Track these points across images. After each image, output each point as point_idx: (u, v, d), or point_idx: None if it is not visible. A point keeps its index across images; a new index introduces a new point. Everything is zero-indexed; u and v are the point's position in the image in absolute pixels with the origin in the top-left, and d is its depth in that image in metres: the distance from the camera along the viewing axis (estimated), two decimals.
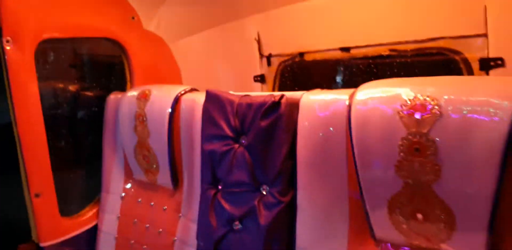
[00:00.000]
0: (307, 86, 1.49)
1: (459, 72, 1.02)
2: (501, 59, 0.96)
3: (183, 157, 1.20)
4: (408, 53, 1.13)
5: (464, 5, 1.01)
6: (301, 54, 1.44)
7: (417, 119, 0.71)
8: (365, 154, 0.78)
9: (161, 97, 1.23)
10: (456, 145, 0.68)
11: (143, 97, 1.26)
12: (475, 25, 0.99)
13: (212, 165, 1.04)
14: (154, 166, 1.27)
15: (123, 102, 1.33)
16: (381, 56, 1.19)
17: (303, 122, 0.90)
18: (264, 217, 0.93)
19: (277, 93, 0.95)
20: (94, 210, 1.47)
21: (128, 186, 1.41)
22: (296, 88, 1.56)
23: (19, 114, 1.20)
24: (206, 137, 1.06)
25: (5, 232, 1.46)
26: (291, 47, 1.44)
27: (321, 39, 1.34)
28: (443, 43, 1.06)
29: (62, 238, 1.38)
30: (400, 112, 0.74)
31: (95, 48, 1.55)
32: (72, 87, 1.54)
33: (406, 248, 0.81)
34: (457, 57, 1.03)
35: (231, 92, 1.06)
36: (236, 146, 1.00)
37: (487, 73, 0.97)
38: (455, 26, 1.03)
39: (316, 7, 1.34)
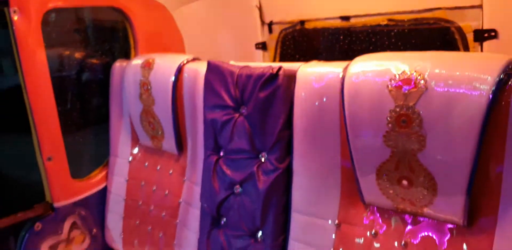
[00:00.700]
0: (308, 54, 1.52)
1: (454, 43, 1.04)
2: (494, 31, 0.98)
3: (187, 124, 1.25)
4: (405, 23, 1.15)
5: None
6: (302, 22, 1.45)
7: (404, 93, 0.76)
8: (356, 124, 0.84)
9: (164, 66, 1.27)
10: (439, 117, 0.73)
11: (147, 66, 1.30)
12: None
13: (214, 132, 1.10)
14: (160, 132, 1.33)
15: (128, 70, 1.37)
16: (379, 26, 1.21)
17: (300, 93, 0.94)
18: (263, 182, 1.00)
19: (275, 65, 0.98)
20: (104, 173, 1.56)
21: (135, 151, 1.48)
22: (297, 56, 1.59)
23: (28, 81, 1.25)
24: (208, 106, 1.11)
25: (20, 193, 1.55)
26: (292, 15, 1.45)
27: (322, 8, 1.35)
28: (439, 13, 1.07)
29: (74, 199, 1.48)
30: (389, 86, 0.78)
31: (100, 17, 1.57)
32: (78, 55, 1.57)
33: (391, 211, 0.88)
34: (452, 28, 1.05)
35: (231, 62, 1.09)
36: (236, 115, 1.05)
37: (481, 45, 1.00)
38: None
39: None
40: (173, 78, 1.23)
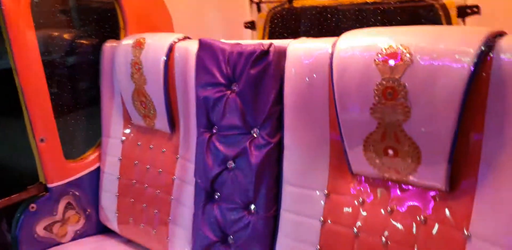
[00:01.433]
0: (296, 32, 1.54)
1: (438, 20, 1.07)
2: (477, 6, 1.02)
3: (179, 102, 1.28)
4: (392, 1, 1.17)
5: None
6: (290, 1, 1.47)
7: (391, 66, 0.79)
8: (344, 98, 0.87)
9: (155, 45, 1.28)
10: (424, 89, 0.77)
11: (138, 46, 1.31)
12: None
13: (206, 110, 1.13)
14: (152, 111, 1.35)
15: (118, 50, 1.37)
16: (366, 4, 1.23)
17: (290, 69, 0.97)
18: (255, 156, 1.03)
19: (266, 42, 1.00)
20: (96, 154, 1.58)
21: (128, 130, 1.50)
22: (285, 35, 1.60)
23: (19, 62, 1.25)
24: (200, 84, 1.13)
25: (13, 175, 1.57)
26: None
27: None
28: None
29: (68, 180, 1.50)
30: (376, 60, 0.81)
31: None
32: (67, 36, 1.56)
33: (378, 180, 0.92)
34: (436, 5, 1.08)
35: (222, 40, 1.11)
36: (228, 92, 1.07)
37: (463, 20, 1.03)
38: None
39: None
40: (164, 57, 1.25)
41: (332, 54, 0.89)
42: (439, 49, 0.75)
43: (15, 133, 1.47)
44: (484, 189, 0.77)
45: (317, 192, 0.99)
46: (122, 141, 1.50)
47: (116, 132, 1.52)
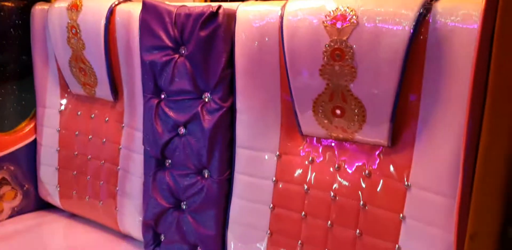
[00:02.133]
0: None
1: None
2: None
3: (122, 68, 1.22)
4: None
5: None
6: None
7: (338, 28, 0.82)
8: (294, 60, 0.89)
9: (94, 8, 1.20)
10: (369, 50, 0.81)
11: (74, 8, 1.23)
12: None
13: (153, 75, 1.10)
14: (92, 78, 1.29)
15: (51, 13, 1.28)
16: None
17: (240, 32, 0.97)
18: (207, 121, 1.03)
19: (214, 4, 0.99)
20: (32, 125, 1.49)
21: (65, 100, 1.42)
22: (228, 1, 1.58)
23: None
24: (145, 48, 1.09)
25: None
26: None
27: None
28: None
29: (1, 154, 1.41)
30: (325, 22, 0.84)
31: None
32: None
33: (326, 140, 0.97)
34: None
35: (166, 3, 1.07)
36: (176, 56, 1.05)
37: None
38: None
39: None
40: (104, 20, 1.18)
41: (282, 17, 0.90)
42: (382, 12, 0.79)
43: None
44: (421, 143, 0.84)
45: (269, 153, 1.02)
46: (60, 111, 1.42)
47: (52, 102, 1.43)
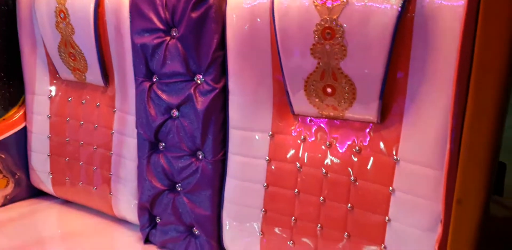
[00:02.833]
0: None
1: None
2: None
3: (112, 52, 1.22)
4: None
5: None
6: None
7: (329, 7, 0.84)
8: (286, 40, 0.91)
9: None
10: (358, 28, 0.83)
11: None
12: None
13: (144, 58, 1.10)
14: (82, 63, 1.29)
15: None
16: None
17: (231, 14, 0.98)
18: (201, 103, 1.05)
19: None
20: (21, 112, 1.48)
21: (55, 86, 1.42)
22: None
23: None
24: (136, 31, 1.09)
25: None
26: None
27: None
28: None
29: None
30: (315, 2, 0.85)
31: None
32: None
33: (317, 119, 1.00)
34: None
35: None
36: (168, 38, 1.06)
37: None
38: None
39: None
40: (93, 4, 1.18)
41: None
42: None
43: None
44: (409, 119, 0.88)
45: (262, 133, 1.04)
46: (50, 97, 1.42)
47: (41, 88, 1.43)
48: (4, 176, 1.47)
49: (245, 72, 1.01)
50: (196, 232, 1.16)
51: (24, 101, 1.47)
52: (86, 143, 1.37)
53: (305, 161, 1.00)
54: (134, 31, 1.10)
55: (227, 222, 1.12)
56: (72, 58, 1.30)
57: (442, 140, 0.81)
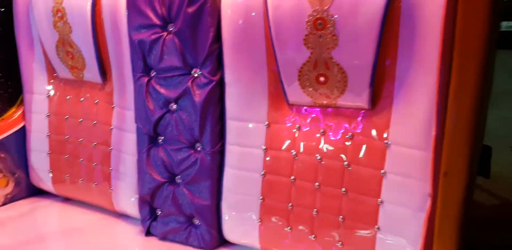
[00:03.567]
0: None
1: None
2: None
3: (110, 49, 1.26)
4: None
5: None
6: None
7: None
8: (279, 31, 0.95)
9: None
10: (348, 18, 0.87)
11: None
12: None
13: (142, 54, 1.14)
14: (80, 61, 1.32)
15: None
16: None
17: (226, 7, 1.02)
18: (198, 95, 1.08)
19: None
20: (20, 112, 1.50)
21: (53, 85, 1.44)
22: None
23: None
24: (133, 27, 1.13)
25: None
26: None
27: None
28: None
29: None
30: None
31: None
32: None
33: (311, 108, 1.04)
34: None
35: None
36: (165, 33, 1.09)
37: None
38: None
39: None
40: (90, 2, 1.21)
41: None
42: None
43: None
44: (399, 104, 0.92)
45: (259, 123, 1.08)
46: (48, 96, 1.44)
47: (40, 87, 1.45)
48: (4, 175, 1.49)
49: (241, 64, 1.05)
50: (197, 222, 1.19)
51: (22, 101, 1.49)
52: (86, 140, 1.39)
53: (301, 149, 1.04)
54: (131, 28, 1.13)
55: (226, 211, 1.16)
56: (70, 56, 1.33)
57: (429, 122, 0.85)
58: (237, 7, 1.01)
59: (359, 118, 0.98)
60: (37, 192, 1.56)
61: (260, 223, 1.11)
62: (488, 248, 1.73)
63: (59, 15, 1.26)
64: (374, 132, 0.96)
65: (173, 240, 1.23)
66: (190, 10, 1.02)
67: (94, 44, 1.26)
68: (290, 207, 1.06)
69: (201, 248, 1.19)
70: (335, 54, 0.92)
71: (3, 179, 1.49)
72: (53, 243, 1.34)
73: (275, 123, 1.07)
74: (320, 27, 0.90)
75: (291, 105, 1.06)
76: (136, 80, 1.18)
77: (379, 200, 0.94)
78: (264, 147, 1.08)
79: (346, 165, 0.98)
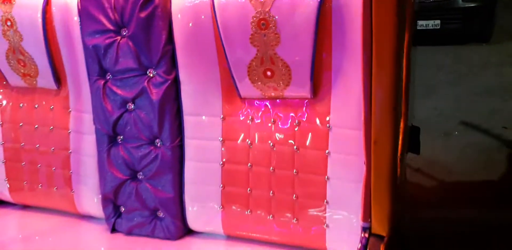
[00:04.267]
0: None
1: None
2: None
3: (63, 55, 1.29)
4: None
5: None
6: None
7: (261, 1, 1.00)
8: (227, 32, 1.06)
9: (28, 0, 1.26)
10: (288, 18, 1.00)
11: (7, 1, 1.27)
12: None
13: (97, 58, 1.19)
14: (33, 68, 1.34)
15: None
16: None
17: (176, 12, 1.11)
18: (155, 94, 1.16)
19: None
20: None
21: (4, 93, 1.44)
22: None
23: None
24: (87, 33, 1.18)
25: None
26: None
27: None
28: None
29: None
30: None
31: None
32: None
33: (261, 100, 1.15)
34: None
35: None
36: (119, 38, 1.16)
37: None
38: None
39: None
40: (40, 12, 1.24)
41: None
42: None
43: None
44: (336, 91, 1.06)
45: (214, 117, 1.17)
46: (0, 105, 1.44)
47: None
48: None
49: (194, 63, 1.14)
50: (161, 215, 1.25)
51: None
52: (43, 146, 1.41)
53: (255, 138, 1.15)
54: (85, 34, 1.19)
55: (189, 202, 1.23)
56: (22, 64, 1.35)
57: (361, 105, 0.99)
58: (187, 11, 1.10)
59: (304, 107, 1.10)
60: None
61: (222, 210, 1.20)
62: (428, 223, 1.94)
63: (8, 24, 1.29)
64: (317, 118, 1.08)
65: (139, 234, 1.29)
66: (142, 15, 1.10)
67: (47, 51, 1.29)
68: (249, 191, 1.16)
69: (167, 238, 1.26)
70: (278, 51, 1.04)
71: None
72: (15, 249, 1.35)
73: (230, 116, 1.17)
74: (264, 27, 1.02)
75: (243, 99, 1.16)
76: (92, 83, 1.23)
77: (326, 177, 1.07)
78: (221, 138, 1.17)
79: (295, 148, 1.10)
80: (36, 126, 1.41)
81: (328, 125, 1.06)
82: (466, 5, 4.34)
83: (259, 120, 1.15)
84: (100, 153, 1.28)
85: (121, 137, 1.25)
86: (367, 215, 0.96)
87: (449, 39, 4.42)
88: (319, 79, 1.07)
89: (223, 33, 1.06)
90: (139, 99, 1.19)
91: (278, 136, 1.13)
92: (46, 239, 1.34)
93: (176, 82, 1.17)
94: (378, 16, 0.78)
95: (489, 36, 4.51)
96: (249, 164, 1.15)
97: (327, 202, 1.08)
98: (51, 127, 1.39)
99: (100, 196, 1.33)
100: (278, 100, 1.13)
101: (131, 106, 1.21)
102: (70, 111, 1.35)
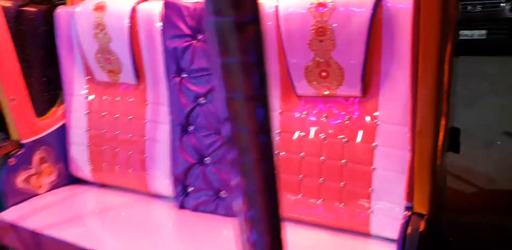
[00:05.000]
0: None
1: None
2: None
3: (144, 55, 1.51)
4: None
5: None
6: None
7: (321, 12, 1.15)
8: (289, 38, 1.22)
9: (118, 8, 1.48)
10: (343, 26, 1.15)
11: (100, 9, 1.50)
12: None
13: (176, 58, 1.39)
14: (117, 66, 1.56)
15: (79, 14, 1.54)
16: None
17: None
18: None
19: None
20: (60, 111, 1.74)
21: (90, 87, 1.68)
22: None
23: None
24: (168, 37, 1.39)
25: None
26: None
27: None
28: None
29: (39, 136, 1.66)
30: (310, 9, 1.17)
31: None
32: (7, 3, 1.65)
33: (316, 98, 1.30)
34: None
35: (184, 0, 1.37)
36: (195, 41, 1.35)
37: None
38: None
39: None
40: (127, 19, 1.46)
41: (277, 8, 1.22)
42: None
43: None
44: (384, 91, 1.19)
45: (273, 112, 1.34)
46: (86, 97, 1.69)
47: (79, 90, 1.69)
48: (50, 165, 1.72)
49: None
50: (224, 195, 1.44)
51: (61, 102, 1.73)
52: (122, 132, 1.63)
53: (309, 131, 1.31)
54: (166, 37, 1.39)
55: None
56: (108, 62, 1.57)
57: (407, 104, 1.13)
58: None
59: (355, 104, 1.25)
60: (76, 180, 1.79)
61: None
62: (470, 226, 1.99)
63: (100, 28, 1.51)
64: (366, 114, 1.23)
65: (203, 211, 1.48)
66: None
67: (130, 51, 1.51)
68: (300, 178, 1.33)
69: (228, 216, 1.44)
70: (334, 55, 1.19)
71: (49, 168, 1.73)
72: (92, 219, 1.58)
73: (287, 111, 1.34)
74: (321, 34, 1.18)
75: (299, 97, 1.33)
76: (170, 80, 1.44)
77: (372, 167, 1.21)
78: (278, 130, 1.34)
79: (345, 141, 1.25)
80: (117, 115, 1.64)
81: (376, 120, 1.21)
82: None
83: (313, 116, 1.31)
84: (174, 140, 1.49)
85: (193, 127, 1.44)
86: (410, 195, 1.09)
87: (495, 49, 4.35)
88: (369, 80, 1.21)
89: (285, 40, 1.23)
90: (210, 95, 1.38)
91: (330, 129, 1.28)
92: (120, 213, 1.56)
93: None
94: (424, 28, 0.91)
95: None
96: (302, 154, 1.31)
97: (372, 190, 1.22)
98: (130, 117, 1.61)
99: (170, 177, 1.53)
100: (331, 98, 1.29)
101: (202, 100, 1.40)
102: (148, 103, 1.57)
